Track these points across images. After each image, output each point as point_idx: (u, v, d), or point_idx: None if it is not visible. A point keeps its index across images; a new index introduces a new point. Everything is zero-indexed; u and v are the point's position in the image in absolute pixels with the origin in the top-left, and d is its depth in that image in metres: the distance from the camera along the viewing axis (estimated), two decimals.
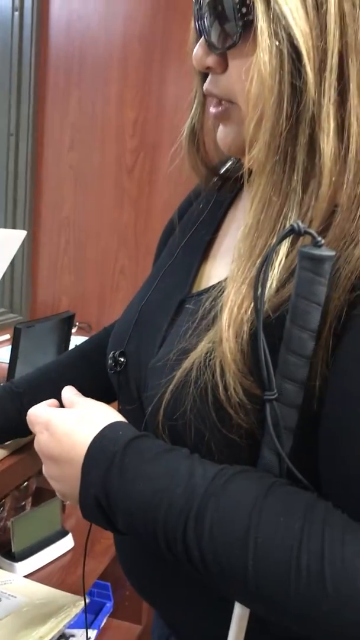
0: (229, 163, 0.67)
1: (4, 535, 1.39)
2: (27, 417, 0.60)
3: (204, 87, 0.57)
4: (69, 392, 0.62)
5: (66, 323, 1.30)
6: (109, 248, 1.73)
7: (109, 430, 0.52)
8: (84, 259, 1.75)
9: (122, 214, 1.71)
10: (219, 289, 0.53)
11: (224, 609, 0.52)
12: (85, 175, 1.72)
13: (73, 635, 1.49)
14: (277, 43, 0.46)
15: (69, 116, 1.71)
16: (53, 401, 0.63)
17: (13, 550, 1.29)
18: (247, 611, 0.50)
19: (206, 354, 0.49)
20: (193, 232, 0.67)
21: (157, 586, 0.62)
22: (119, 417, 0.55)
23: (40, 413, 0.58)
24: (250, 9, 0.48)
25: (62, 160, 1.73)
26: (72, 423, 0.54)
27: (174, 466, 0.48)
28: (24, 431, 0.83)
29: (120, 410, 0.66)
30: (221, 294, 0.52)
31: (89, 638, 1.49)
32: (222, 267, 0.61)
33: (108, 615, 1.62)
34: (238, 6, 0.48)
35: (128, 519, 0.49)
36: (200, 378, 0.49)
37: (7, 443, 0.90)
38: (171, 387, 0.51)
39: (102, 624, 1.58)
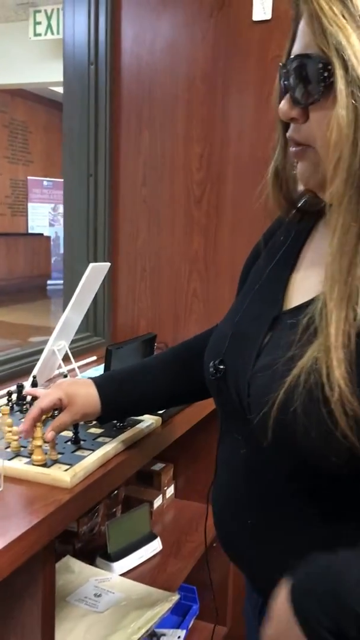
0: (305, 198, 0.78)
1: (99, 538, 1.53)
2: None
3: (288, 135, 0.68)
4: None
5: (149, 343, 1.44)
6: (181, 273, 1.86)
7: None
8: (159, 284, 1.90)
9: (192, 242, 1.84)
10: (314, 306, 0.63)
11: None
12: (158, 207, 1.87)
13: (164, 634, 1.60)
14: (354, 101, 0.58)
15: (141, 155, 1.87)
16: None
17: (109, 552, 1.42)
18: None
19: (313, 361, 0.59)
20: (278, 258, 0.78)
21: (253, 551, 0.72)
22: None
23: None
24: (331, 73, 0.60)
25: (136, 196, 1.89)
26: None
27: None
28: (122, 415, 1.01)
29: (219, 411, 0.79)
30: (318, 311, 0.61)
31: (179, 637, 1.59)
32: (306, 284, 0.71)
33: (195, 617, 1.72)
34: (321, 71, 0.61)
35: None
36: (308, 380, 0.59)
37: (123, 438, 1.05)
38: (284, 388, 0.61)
39: (190, 625, 1.68)
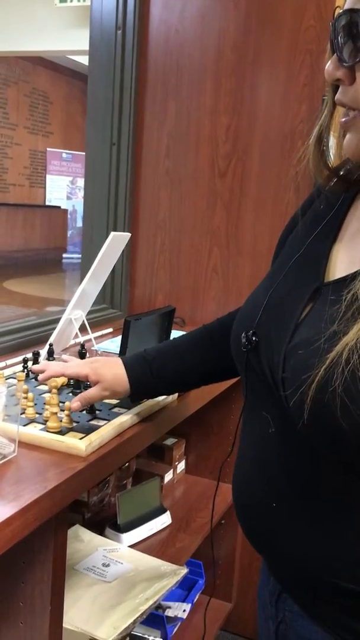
0: (348, 165, 0.74)
1: (108, 509, 1.53)
2: None
3: (336, 97, 0.64)
4: None
5: (167, 317, 1.42)
6: (202, 248, 1.84)
7: None
8: (179, 258, 1.87)
9: (214, 216, 1.81)
10: (358, 280, 0.59)
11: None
12: (180, 180, 1.84)
13: (170, 607, 1.61)
14: None
15: (166, 125, 1.83)
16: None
17: (119, 523, 1.42)
18: None
19: (359, 338, 0.56)
20: (320, 228, 0.74)
21: (277, 537, 0.68)
22: None
23: None
24: None
25: (159, 167, 1.85)
26: None
27: None
28: (152, 394, 1.00)
29: (245, 386, 0.75)
30: None
31: (184, 610, 1.60)
32: (350, 255, 0.68)
33: (200, 591, 1.72)
34: None
35: None
36: (351, 359, 0.55)
37: (139, 410, 1.05)
38: (324, 366, 0.57)
39: (195, 599, 1.69)
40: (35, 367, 1.01)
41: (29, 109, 9.80)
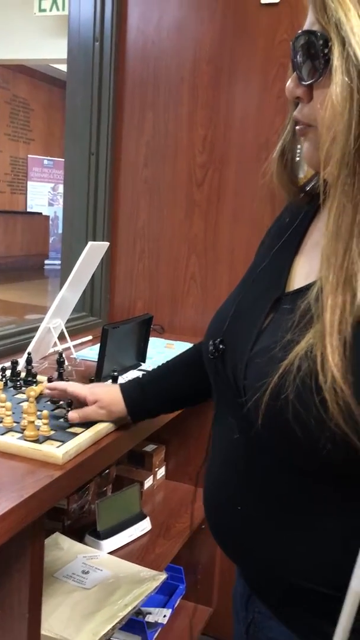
0: (314, 181, 0.77)
1: (88, 516, 1.54)
2: None
3: (294, 114, 0.67)
4: None
5: (145, 325, 1.44)
6: (180, 256, 1.86)
7: None
8: (158, 266, 1.89)
9: (192, 225, 1.83)
10: (313, 289, 0.61)
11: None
12: (159, 189, 1.86)
13: (150, 613, 1.62)
14: (348, 79, 0.57)
15: (144, 135, 1.85)
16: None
17: (98, 530, 1.43)
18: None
19: (309, 347, 0.58)
20: (283, 240, 0.77)
21: (242, 540, 0.70)
22: None
23: None
24: (330, 50, 0.59)
25: (137, 176, 1.87)
26: None
27: None
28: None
29: (215, 393, 0.78)
30: (314, 296, 0.60)
31: (165, 616, 1.61)
32: (309, 266, 0.70)
33: (181, 597, 1.74)
34: (322, 47, 0.60)
35: None
36: (302, 367, 0.57)
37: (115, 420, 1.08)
38: (278, 374, 0.59)
39: (176, 604, 1.70)
40: (48, 387, 1.11)
41: (9, 116, 9.77)
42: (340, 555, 0.61)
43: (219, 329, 0.76)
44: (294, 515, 0.65)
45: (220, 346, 0.74)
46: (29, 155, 10.29)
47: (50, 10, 5.85)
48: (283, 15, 1.66)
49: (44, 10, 5.88)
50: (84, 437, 0.97)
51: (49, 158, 10.54)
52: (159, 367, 1.06)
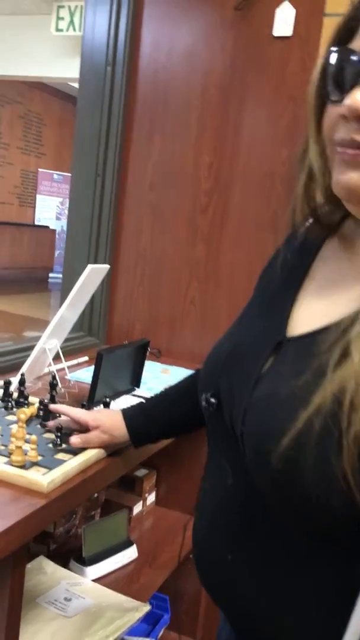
0: (324, 209, 0.69)
1: (75, 541, 1.52)
2: None
3: (352, 135, 0.57)
4: None
5: (141, 350, 1.43)
6: (181, 280, 1.86)
7: None
8: (158, 289, 1.89)
9: (195, 250, 1.83)
10: (335, 331, 0.56)
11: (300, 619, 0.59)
12: (163, 213, 1.86)
13: None
14: None
15: (151, 159, 1.86)
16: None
17: (83, 555, 1.41)
18: None
19: (336, 391, 0.52)
20: (286, 274, 0.71)
21: (229, 588, 0.67)
22: None
23: None
24: None
25: (142, 199, 1.88)
26: None
27: None
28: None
29: (210, 443, 0.75)
30: (338, 337, 0.55)
31: None
32: (313, 309, 0.65)
33: (165, 627, 1.70)
34: None
35: None
36: (329, 414, 0.52)
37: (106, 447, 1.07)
38: (297, 423, 0.54)
39: (160, 634, 1.67)
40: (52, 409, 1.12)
41: (22, 129, 9.87)
42: (331, 615, 0.59)
43: (212, 380, 0.72)
44: (283, 567, 0.62)
45: (212, 400, 0.70)
46: (40, 169, 10.37)
47: (67, 30, 5.97)
48: (295, 48, 1.67)
49: (61, 30, 5.99)
50: (71, 465, 0.95)
51: (58, 172, 10.63)
52: (160, 393, 1.05)
